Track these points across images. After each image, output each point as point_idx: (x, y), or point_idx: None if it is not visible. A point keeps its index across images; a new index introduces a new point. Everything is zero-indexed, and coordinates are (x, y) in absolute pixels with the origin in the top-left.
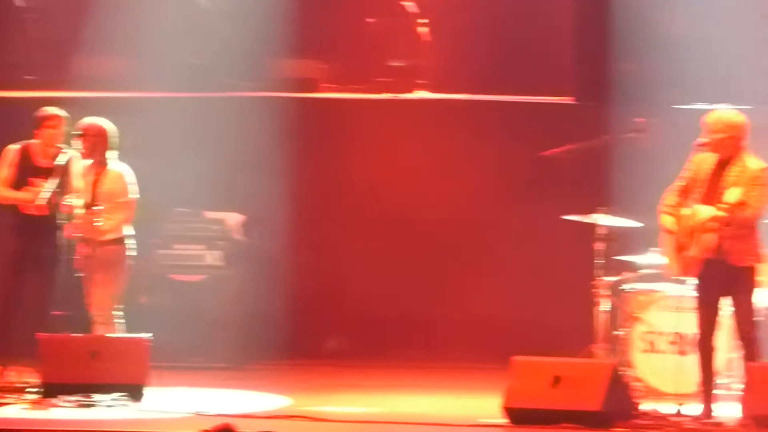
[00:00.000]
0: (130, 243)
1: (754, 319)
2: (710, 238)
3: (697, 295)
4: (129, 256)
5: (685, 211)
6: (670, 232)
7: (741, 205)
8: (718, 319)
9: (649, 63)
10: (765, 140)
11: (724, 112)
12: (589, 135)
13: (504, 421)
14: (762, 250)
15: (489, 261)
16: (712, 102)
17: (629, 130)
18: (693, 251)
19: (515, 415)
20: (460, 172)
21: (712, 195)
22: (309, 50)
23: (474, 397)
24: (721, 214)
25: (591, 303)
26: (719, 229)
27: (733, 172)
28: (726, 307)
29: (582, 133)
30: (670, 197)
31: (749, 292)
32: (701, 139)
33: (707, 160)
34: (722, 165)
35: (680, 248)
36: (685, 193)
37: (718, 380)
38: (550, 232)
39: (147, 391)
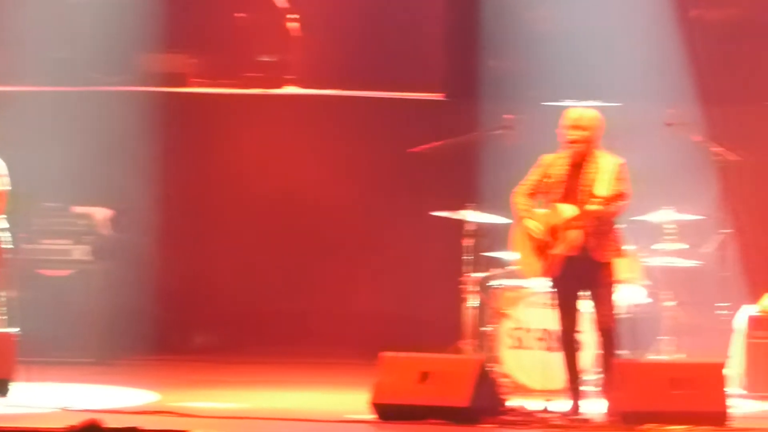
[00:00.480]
0: (4, 236)
1: (614, 313)
2: (575, 236)
3: (557, 292)
4: (3, 249)
5: (542, 211)
6: (532, 233)
7: (616, 197)
8: (578, 315)
9: (519, 59)
10: (636, 137)
11: (584, 110)
12: (458, 131)
13: (372, 416)
14: (622, 245)
15: (358, 256)
16: (580, 99)
17: (497, 127)
18: (557, 250)
19: (383, 410)
20: (330, 167)
21: (571, 194)
22: (178, 45)
23: (342, 393)
24: (594, 207)
25: (459, 299)
26: (585, 226)
27: (590, 170)
28: (588, 302)
29: (451, 130)
30: (521, 199)
31: (610, 287)
32: (572, 135)
33: (558, 160)
34: (578, 164)
35: (541, 248)
36: (534, 195)
37: (585, 377)
38: (420, 228)
39: (13, 386)
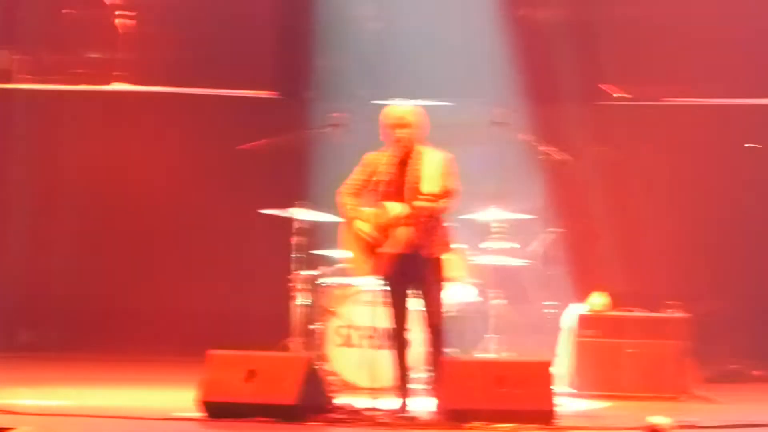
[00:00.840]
0: None
1: (443, 311)
2: (404, 233)
3: (388, 289)
4: None
5: (370, 210)
6: (360, 232)
7: (444, 194)
8: (408, 313)
9: (349, 58)
10: (465, 135)
11: (407, 107)
12: (288, 129)
13: (200, 414)
14: (451, 243)
15: (188, 254)
16: (409, 97)
17: (327, 125)
18: (387, 248)
19: (211, 408)
20: (159, 165)
21: (398, 191)
22: (3, 41)
23: (170, 391)
24: (423, 204)
25: (288, 297)
26: (415, 223)
27: (416, 166)
28: (417, 300)
29: (282, 127)
30: (347, 199)
31: (439, 284)
32: (397, 133)
33: (383, 158)
34: (403, 161)
35: (370, 247)
36: (360, 194)
37: (414, 374)
38: (249, 226)
39: None
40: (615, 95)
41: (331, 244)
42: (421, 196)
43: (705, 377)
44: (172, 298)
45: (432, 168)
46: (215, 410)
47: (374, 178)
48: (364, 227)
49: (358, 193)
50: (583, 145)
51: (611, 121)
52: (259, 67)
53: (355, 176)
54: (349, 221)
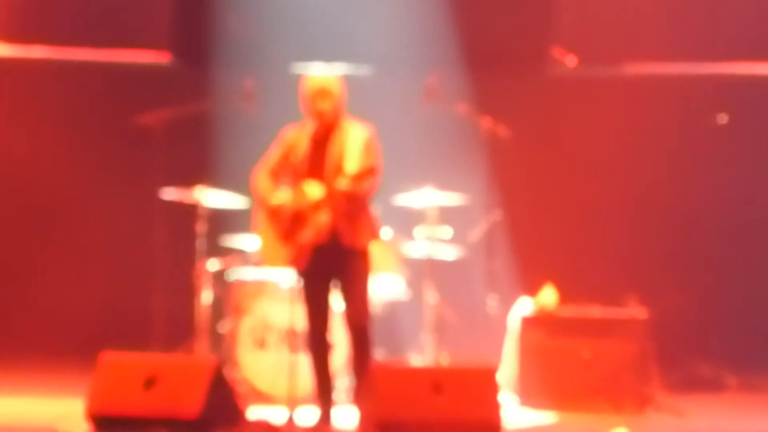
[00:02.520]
0: None
1: (369, 308)
2: (323, 220)
3: (305, 285)
4: None
5: (284, 194)
6: (275, 219)
7: (366, 173)
8: (329, 311)
9: (259, 16)
10: (392, 106)
11: (328, 77)
12: (188, 99)
13: (87, 429)
14: (377, 231)
15: (76, 245)
16: (329, 62)
17: (235, 94)
18: (304, 237)
19: (100, 422)
20: (38, 140)
21: (317, 172)
22: None
23: (56, 400)
24: (343, 186)
25: (192, 292)
26: (335, 208)
27: (338, 143)
28: (340, 296)
29: (180, 97)
30: (262, 180)
31: (364, 277)
32: (318, 105)
33: (302, 134)
34: (324, 137)
35: (286, 235)
36: (277, 174)
37: (336, 382)
38: (146, 211)
39: None
40: (566, 61)
41: (242, 231)
42: (341, 178)
43: (671, 385)
44: (59, 293)
45: (355, 145)
46: (106, 424)
47: (292, 157)
48: (278, 213)
49: (275, 173)
50: (529, 118)
51: (561, 91)
52: (152, 26)
53: (272, 153)
54: (262, 205)
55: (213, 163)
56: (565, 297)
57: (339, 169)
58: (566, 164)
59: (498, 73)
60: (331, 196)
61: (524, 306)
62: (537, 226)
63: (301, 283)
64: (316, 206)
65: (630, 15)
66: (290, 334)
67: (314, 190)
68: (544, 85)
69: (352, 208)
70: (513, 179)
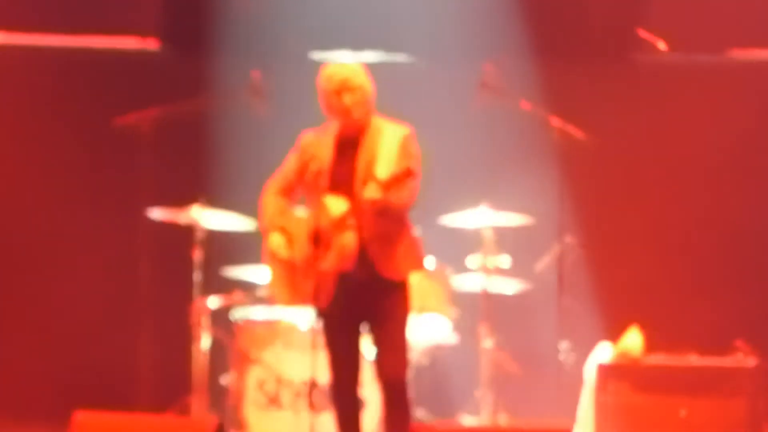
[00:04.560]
0: None
1: (406, 356)
2: (350, 242)
3: (327, 327)
4: None
5: (304, 213)
6: (277, 252)
7: (402, 176)
8: (359, 360)
9: None
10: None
11: (352, 67)
12: (182, 95)
13: None
14: (420, 257)
15: (44, 277)
16: (356, 50)
17: (240, 89)
18: (327, 264)
19: None
20: None
21: (343, 183)
22: None
23: None
24: (373, 194)
25: (186, 336)
26: (364, 227)
27: (369, 147)
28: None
29: (172, 93)
30: (271, 199)
31: (402, 317)
32: (341, 101)
33: (324, 139)
34: (351, 140)
35: (303, 265)
36: (291, 190)
37: None
38: (128, 235)
39: None
40: (659, 46)
41: (249, 260)
42: (372, 183)
43: None
44: (25, 341)
45: (391, 147)
46: None
47: (312, 167)
48: (278, 245)
49: (290, 188)
50: (610, 117)
51: (652, 83)
52: (137, 5)
53: (288, 165)
54: (265, 233)
55: (213, 175)
56: (654, 343)
57: (370, 177)
58: (658, 175)
59: (570, 60)
60: (359, 210)
61: (603, 353)
62: (620, 255)
63: (323, 324)
64: (340, 224)
65: None
66: (310, 389)
67: (338, 204)
68: (628, 75)
69: (386, 227)
70: (590, 194)
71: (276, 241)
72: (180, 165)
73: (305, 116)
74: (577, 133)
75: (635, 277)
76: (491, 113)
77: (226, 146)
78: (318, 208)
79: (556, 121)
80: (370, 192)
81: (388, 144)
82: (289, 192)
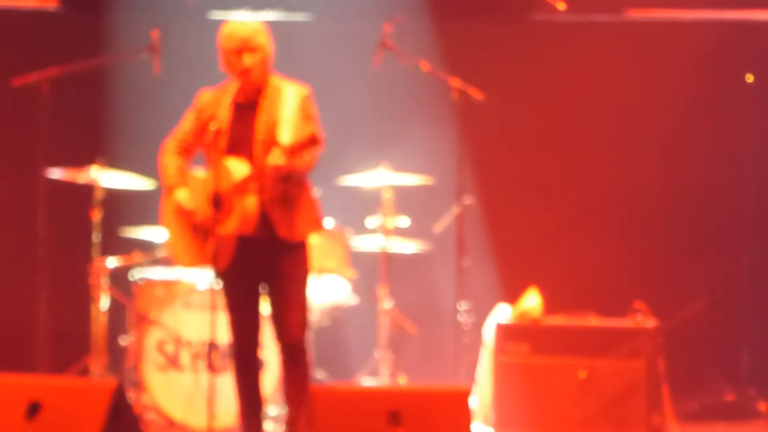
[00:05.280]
0: None
1: (306, 317)
2: (251, 205)
3: (227, 288)
4: None
5: (201, 174)
6: (183, 207)
7: (307, 143)
8: (259, 321)
9: None
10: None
11: (252, 25)
12: (80, 54)
13: None
14: (319, 217)
15: None
16: (255, 8)
17: (137, 48)
18: (226, 227)
19: None
20: None
21: (242, 144)
22: None
23: None
24: (276, 160)
25: (86, 298)
26: (266, 190)
27: (271, 108)
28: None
29: (70, 52)
30: (170, 158)
31: (302, 280)
32: (242, 61)
33: (222, 97)
34: (250, 100)
35: (202, 226)
36: (190, 150)
37: (268, 409)
38: (25, 195)
39: None
40: (558, 6)
41: (148, 220)
42: (274, 149)
43: (687, 412)
44: None
45: (292, 110)
46: None
47: (212, 127)
48: (186, 201)
49: (189, 147)
50: (510, 78)
51: (550, 43)
52: None
53: (185, 123)
54: (169, 191)
55: (111, 134)
56: (553, 304)
57: (271, 141)
58: (557, 136)
59: (470, 21)
60: (261, 174)
61: (502, 314)
62: (519, 215)
63: (223, 286)
64: (242, 188)
65: None
66: (209, 350)
67: (240, 168)
68: (527, 35)
69: (288, 190)
70: (489, 155)
71: (182, 195)
72: (79, 124)
73: (204, 75)
74: (476, 93)
75: (534, 238)
76: (390, 73)
77: (124, 106)
78: (218, 169)
79: (455, 82)
80: (275, 158)
81: (288, 106)
82: (187, 151)
